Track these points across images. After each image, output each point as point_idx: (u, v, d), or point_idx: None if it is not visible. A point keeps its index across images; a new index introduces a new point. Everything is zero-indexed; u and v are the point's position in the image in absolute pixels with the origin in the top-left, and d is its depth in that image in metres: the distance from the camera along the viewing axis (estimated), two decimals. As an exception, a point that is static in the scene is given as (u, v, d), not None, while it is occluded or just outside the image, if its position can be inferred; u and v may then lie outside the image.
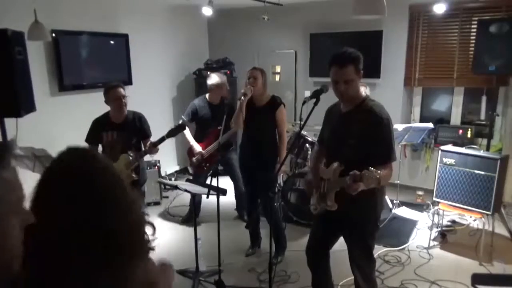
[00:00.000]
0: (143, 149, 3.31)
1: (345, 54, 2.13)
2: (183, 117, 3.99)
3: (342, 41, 5.32)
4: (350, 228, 2.33)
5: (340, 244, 3.79)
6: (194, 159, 4.02)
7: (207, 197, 2.80)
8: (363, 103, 2.18)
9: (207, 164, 4.02)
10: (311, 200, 2.46)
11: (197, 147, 3.98)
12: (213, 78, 3.97)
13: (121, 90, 3.18)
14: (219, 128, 3.90)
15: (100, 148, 3.30)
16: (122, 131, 3.22)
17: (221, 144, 3.58)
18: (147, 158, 3.89)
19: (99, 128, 3.25)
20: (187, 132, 4.06)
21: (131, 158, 3.17)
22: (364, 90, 4.46)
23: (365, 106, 2.16)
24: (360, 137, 2.10)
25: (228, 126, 3.59)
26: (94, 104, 4.13)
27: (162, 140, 3.15)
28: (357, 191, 1.96)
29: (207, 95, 4.05)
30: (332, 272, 3.28)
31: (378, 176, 1.85)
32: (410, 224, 4.18)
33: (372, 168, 1.87)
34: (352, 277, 3.13)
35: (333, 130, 2.36)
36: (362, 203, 2.15)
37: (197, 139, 4.06)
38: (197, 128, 4.13)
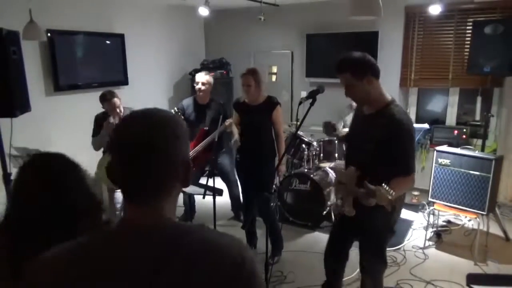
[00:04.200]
0: None
1: (341, 61, 2.10)
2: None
3: (338, 41, 5.34)
4: (364, 232, 2.28)
5: (336, 244, 3.81)
6: None
7: (203, 198, 2.79)
8: (386, 107, 2.08)
9: (195, 165, 4.01)
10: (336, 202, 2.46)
11: None
12: (196, 75, 3.96)
13: (116, 101, 3.46)
14: (205, 128, 3.89)
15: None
16: None
17: (215, 141, 3.58)
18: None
19: (101, 123, 3.54)
20: None
21: None
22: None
23: (388, 110, 2.06)
24: (378, 142, 2.03)
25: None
26: (89, 104, 4.13)
27: None
28: (370, 205, 1.93)
29: (195, 96, 4.03)
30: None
31: (390, 198, 1.81)
32: (406, 224, 4.19)
33: (385, 186, 1.83)
34: (350, 276, 3.16)
35: (353, 131, 2.33)
36: (378, 208, 2.06)
37: None
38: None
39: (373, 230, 2.22)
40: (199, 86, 3.89)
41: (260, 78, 3.27)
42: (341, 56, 2.10)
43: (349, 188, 2.12)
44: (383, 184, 1.84)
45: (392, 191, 1.83)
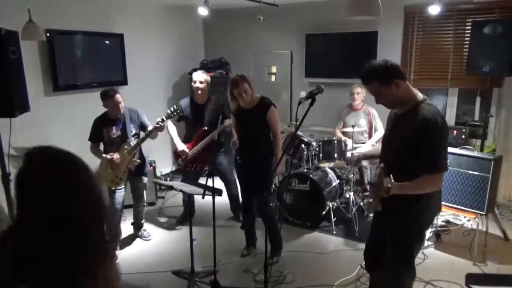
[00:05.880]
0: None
1: (365, 72, 2.11)
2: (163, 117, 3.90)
3: (337, 41, 5.34)
4: (392, 232, 2.24)
5: (335, 245, 3.82)
6: (179, 160, 4.01)
7: (203, 198, 2.79)
8: (417, 106, 2.08)
9: (194, 165, 4.00)
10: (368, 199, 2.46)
11: (180, 146, 3.95)
12: (193, 74, 3.97)
13: (119, 97, 3.46)
14: (204, 128, 3.88)
15: (102, 145, 3.66)
16: (120, 124, 3.56)
17: (215, 140, 3.57)
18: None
19: (100, 126, 3.55)
20: (173, 131, 4.04)
21: (132, 144, 3.53)
22: (360, 91, 4.52)
23: (418, 110, 2.06)
24: (405, 140, 2.05)
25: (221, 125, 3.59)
26: (88, 104, 4.13)
27: (162, 121, 3.51)
28: (383, 196, 1.95)
29: (193, 95, 4.03)
30: (328, 272, 3.30)
31: (387, 186, 1.86)
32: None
33: (389, 178, 1.88)
34: (350, 276, 3.16)
35: (386, 130, 2.35)
36: (403, 208, 2.08)
37: (186, 139, 4.04)
38: (185, 128, 4.12)
39: (400, 230, 2.18)
40: (197, 85, 3.89)
41: (250, 82, 3.26)
42: (365, 68, 2.12)
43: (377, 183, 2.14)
44: (390, 176, 1.91)
45: (392, 181, 1.88)
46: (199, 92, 3.90)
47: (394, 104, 2.17)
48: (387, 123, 2.41)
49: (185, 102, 4.04)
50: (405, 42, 5.04)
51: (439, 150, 2.03)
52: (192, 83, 3.94)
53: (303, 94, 5.59)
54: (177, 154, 4.02)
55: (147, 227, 4.14)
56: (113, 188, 3.58)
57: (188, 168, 4.00)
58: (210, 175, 2.92)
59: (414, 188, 2.02)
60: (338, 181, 4.33)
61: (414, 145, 2.01)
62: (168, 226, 4.32)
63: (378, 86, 2.08)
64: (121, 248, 3.78)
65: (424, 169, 1.99)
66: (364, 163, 4.38)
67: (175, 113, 3.62)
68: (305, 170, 4.21)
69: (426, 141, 1.99)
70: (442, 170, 2.05)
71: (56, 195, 0.63)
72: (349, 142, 4.26)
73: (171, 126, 4.04)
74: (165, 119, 3.54)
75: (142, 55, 5.31)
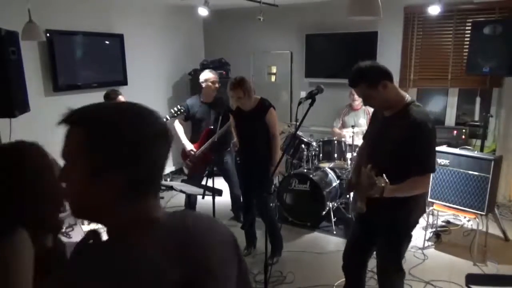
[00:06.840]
0: None
1: (353, 74, 2.10)
2: (167, 116, 3.86)
3: (337, 42, 5.34)
4: (378, 234, 2.25)
5: (335, 245, 3.82)
6: (187, 160, 4.00)
7: (203, 198, 2.79)
8: (405, 108, 2.08)
9: (201, 165, 4.00)
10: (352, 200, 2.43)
11: (188, 146, 3.95)
12: (206, 73, 3.96)
13: (121, 98, 3.48)
14: (210, 128, 3.89)
15: None
16: None
17: (216, 141, 3.57)
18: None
19: None
20: (180, 130, 4.03)
21: None
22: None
23: (407, 111, 2.05)
24: (397, 143, 2.03)
25: (223, 125, 3.60)
26: (89, 105, 4.12)
27: (166, 120, 3.50)
28: (372, 197, 1.95)
29: (200, 95, 4.03)
30: (328, 273, 3.30)
31: (381, 185, 1.87)
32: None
33: (382, 177, 1.88)
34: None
35: (373, 132, 2.32)
36: (392, 210, 2.07)
37: (193, 139, 4.03)
38: (192, 128, 4.11)
39: (389, 231, 2.19)
40: (208, 83, 3.87)
41: (248, 86, 3.22)
42: (352, 71, 2.11)
43: (363, 184, 2.12)
44: (384, 175, 1.90)
45: (386, 181, 1.88)
46: (209, 91, 3.90)
47: (383, 106, 2.15)
48: (371, 121, 2.38)
49: (192, 101, 4.02)
50: (405, 42, 5.04)
51: (429, 151, 2.04)
52: (202, 82, 3.91)
53: (303, 94, 5.59)
54: (185, 154, 4.00)
55: (147, 227, 4.13)
56: None
57: (197, 168, 3.99)
58: (210, 175, 2.92)
59: (406, 190, 2.02)
60: (338, 181, 4.33)
61: (405, 147, 2.00)
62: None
63: (366, 88, 2.07)
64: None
65: (414, 171, 1.99)
66: None
67: (178, 113, 3.62)
68: (305, 170, 4.21)
69: (417, 143, 1.99)
70: (431, 171, 2.07)
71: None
72: (349, 142, 4.27)
73: (178, 126, 4.01)
74: (168, 118, 3.55)
75: (142, 55, 5.31)
